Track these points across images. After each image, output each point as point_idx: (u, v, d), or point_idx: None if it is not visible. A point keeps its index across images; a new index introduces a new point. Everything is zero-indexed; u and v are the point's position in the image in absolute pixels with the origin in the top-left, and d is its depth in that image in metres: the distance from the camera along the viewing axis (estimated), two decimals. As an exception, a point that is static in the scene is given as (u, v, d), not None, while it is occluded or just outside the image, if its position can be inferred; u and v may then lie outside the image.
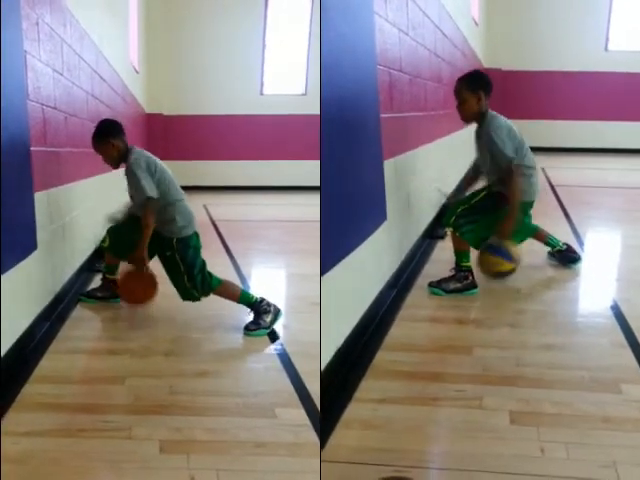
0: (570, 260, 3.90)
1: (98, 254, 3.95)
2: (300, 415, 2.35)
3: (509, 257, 3.25)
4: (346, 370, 2.45)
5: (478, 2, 8.45)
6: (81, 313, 3.53)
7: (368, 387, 2.41)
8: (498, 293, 3.47)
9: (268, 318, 3.22)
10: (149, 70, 9.18)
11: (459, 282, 3.41)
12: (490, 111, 3.35)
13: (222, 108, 9.79)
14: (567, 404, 2.27)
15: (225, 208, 8.02)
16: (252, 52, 9.98)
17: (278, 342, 3.13)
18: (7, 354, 2.66)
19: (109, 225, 3.54)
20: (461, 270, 3.43)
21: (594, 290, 3.68)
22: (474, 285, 3.43)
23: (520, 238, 3.62)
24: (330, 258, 2.32)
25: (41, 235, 3.22)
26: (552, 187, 6.49)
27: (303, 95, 10.13)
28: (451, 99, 3.44)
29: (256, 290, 3.70)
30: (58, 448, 2.12)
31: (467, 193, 3.65)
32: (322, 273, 2.30)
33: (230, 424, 2.29)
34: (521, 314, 3.19)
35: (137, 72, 8.20)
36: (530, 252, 3.74)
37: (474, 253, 3.45)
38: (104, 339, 3.33)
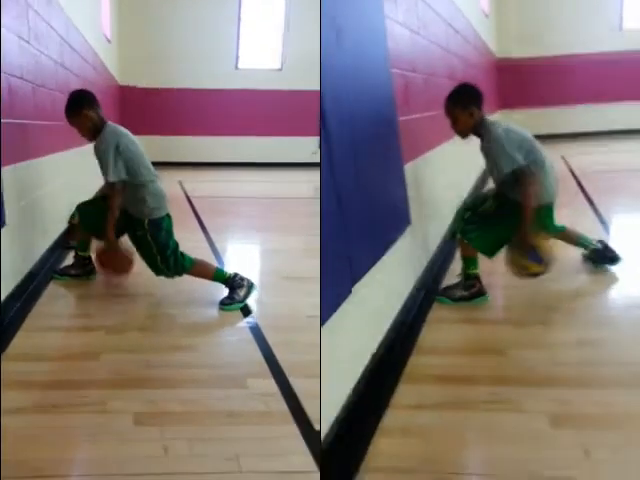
0: (608, 260, 3.55)
1: (70, 231, 3.93)
2: (270, 385, 2.41)
3: (539, 259, 3.08)
4: (381, 376, 2.43)
5: None
6: (55, 291, 3.52)
7: (404, 392, 2.35)
8: (527, 291, 3.30)
9: (242, 292, 3.26)
10: (122, 41, 9.01)
11: (466, 290, 3.22)
12: (487, 120, 3.15)
13: (197, 81, 9.67)
14: (608, 403, 2.19)
15: (201, 184, 7.99)
16: (228, 25, 9.84)
17: (251, 316, 3.17)
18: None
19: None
20: (468, 277, 3.24)
21: (628, 282, 3.44)
22: (482, 292, 3.23)
23: None
24: (360, 267, 2.30)
25: (10, 212, 3.17)
26: (573, 174, 6.38)
27: (279, 70, 10.08)
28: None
29: (229, 265, 3.73)
30: (34, 424, 2.13)
31: None
32: (353, 283, 2.21)
33: (203, 395, 2.33)
34: (553, 312, 3.08)
35: (109, 42, 8.05)
36: (559, 246, 3.41)
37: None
38: (78, 316, 3.33)
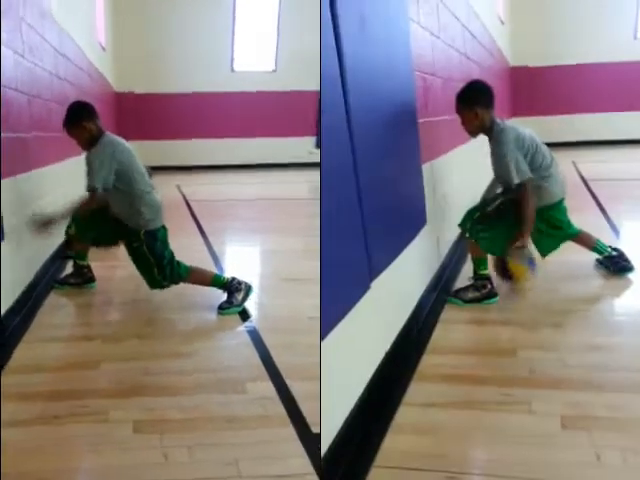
0: (621, 269, 3.49)
1: (68, 241, 3.93)
2: (268, 388, 2.42)
3: (533, 264, 3.12)
4: (394, 374, 2.45)
5: (503, 0, 8.37)
6: (55, 300, 3.52)
7: (416, 391, 2.38)
8: (539, 293, 3.31)
9: (240, 296, 3.27)
10: (117, 47, 9.00)
11: (477, 291, 3.22)
12: (498, 122, 3.10)
13: (193, 85, 9.67)
14: (619, 407, 2.19)
15: (199, 187, 7.98)
16: (222, 28, 9.82)
17: (250, 319, 3.18)
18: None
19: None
20: (479, 278, 3.24)
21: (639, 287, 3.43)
22: (493, 294, 3.24)
23: (552, 247, 3.33)
24: (378, 264, 2.33)
25: (10, 224, 3.17)
26: (585, 182, 6.38)
27: (273, 72, 10.10)
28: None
29: (228, 268, 3.75)
30: (36, 436, 2.13)
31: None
32: (370, 280, 2.22)
33: (202, 401, 2.34)
34: (565, 315, 3.06)
35: (104, 49, 8.07)
36: (566, 248, 3.45)
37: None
38: (78, 325, 3.33)
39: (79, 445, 2.10)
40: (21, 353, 2.82)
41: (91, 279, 3.70)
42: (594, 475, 1.85)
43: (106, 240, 3.52)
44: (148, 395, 2.41)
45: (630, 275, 3.49)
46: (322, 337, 1.84)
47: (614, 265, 3.50)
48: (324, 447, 1.83)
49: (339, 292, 1.96)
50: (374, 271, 2.28)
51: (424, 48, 3.38)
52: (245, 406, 2.30)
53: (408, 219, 2.91)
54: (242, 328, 3.09)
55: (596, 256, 3.57)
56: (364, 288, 2.19)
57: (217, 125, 9.75)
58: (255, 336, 2.95)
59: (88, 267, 3.68)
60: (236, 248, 5.14)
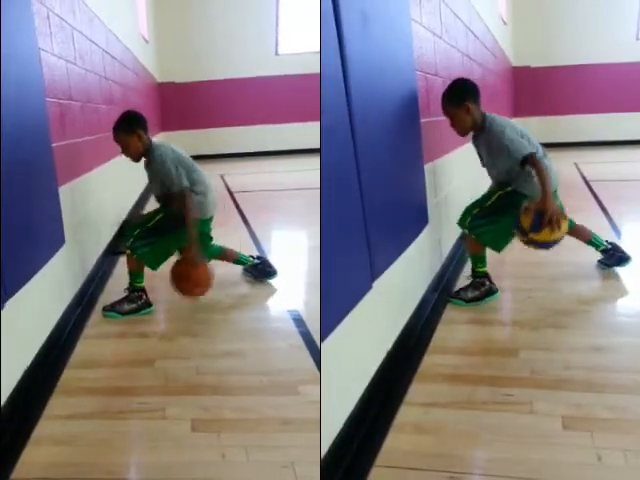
0: (618, 260, 3.50)
1: (120, 235, 3.89)
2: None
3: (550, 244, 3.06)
4: (395, 374, 2.46)
5: (505, 1, 8.38)
6: (108, 298, 3.43)
7: (417, 391, 2.38)
8: (540, 294, 3.30)
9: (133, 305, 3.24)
10: (159, 38, 8.99)
11: (477, 290, 3.19)
12: (487, 115, 3.09)
13: (236, 71, 9.52)
14: (621, 408, 2.19)
15: (243, 177, 7.77)
16: (265, 10, 9.66)
17: (298, 316, 3.11)
18: (46, 342, 2.73)
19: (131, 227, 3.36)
20: (477, 276, 3.21)
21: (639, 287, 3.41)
22: (493, 290, 3.21)
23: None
24: (379, 264, 2.33)
25: (67, 227, 3.19)
26: (587, 182, 6.36)
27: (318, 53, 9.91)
28: (483, 100, 3.28)
29: (276, 265, 3.72)
30: (101, 429, 2.19)
31: None
32: (372, 279, 2.23)
33: (256, 402, 2.32)
34: (566, 315, 3.04)
35: (146, 42, 8.07)
36: (569, 248, 3.45)
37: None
38: (132, 322, 3.24)
39: (141, 441, 2.16)
40: (82, 349, 2.87)
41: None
42: (595, 476, 1.86)
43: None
44: (202, 394, 2.42)
45: (630, 277, 3.49)
46: (323, 337, 1.84)
47: (609, 258, 3.51)
48: (324, 447, 1.83)
49: (340, 292, 1.96)
50: (376, 271, 2.29)
51: (426, 48, 3.40)
52: (299, 409, 2.27)
53: (410, 219, 2.92)
54: (292, 328, 3.02)
55: (598, 256, 3.57)
56: (366, 288, 2.19)
57: (261, 111, 9.54)
58: (307, 337, 2.89)
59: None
60: (283, 244, 4.97)
